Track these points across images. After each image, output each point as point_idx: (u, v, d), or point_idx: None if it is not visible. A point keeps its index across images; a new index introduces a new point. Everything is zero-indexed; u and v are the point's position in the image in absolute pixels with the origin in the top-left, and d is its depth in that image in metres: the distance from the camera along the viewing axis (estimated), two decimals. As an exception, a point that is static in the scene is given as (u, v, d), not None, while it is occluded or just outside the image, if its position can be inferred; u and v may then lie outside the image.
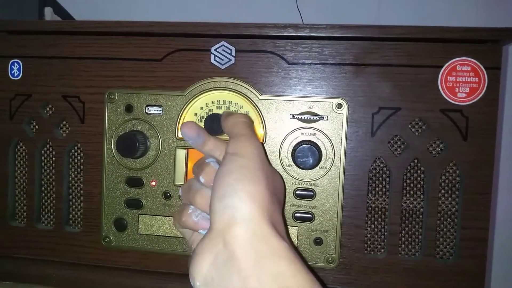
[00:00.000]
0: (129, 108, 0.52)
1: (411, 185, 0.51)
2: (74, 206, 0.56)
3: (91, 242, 0.54)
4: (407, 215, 0.51)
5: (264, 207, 0.32)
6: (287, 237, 0.33)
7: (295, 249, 0.37)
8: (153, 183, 0.52)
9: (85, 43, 0.54)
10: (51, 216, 0.57)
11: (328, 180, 0.50)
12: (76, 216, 0.56)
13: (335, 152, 0.50)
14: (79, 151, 0.55)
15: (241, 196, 0.31)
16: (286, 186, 0.50)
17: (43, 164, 0.56)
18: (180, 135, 0.52)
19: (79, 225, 0.55)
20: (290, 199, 0.51)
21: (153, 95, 0.52)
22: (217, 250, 0.31)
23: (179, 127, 0.36)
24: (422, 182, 0.50)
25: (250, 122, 0.39)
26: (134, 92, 0.52)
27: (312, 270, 0.32)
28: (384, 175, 0.51)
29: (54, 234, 0.55)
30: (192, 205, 0.37)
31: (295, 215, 0.50)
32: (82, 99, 0.54)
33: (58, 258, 0.55)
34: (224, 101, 0.51)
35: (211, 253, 0.31)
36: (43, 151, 0.56)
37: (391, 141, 0.50)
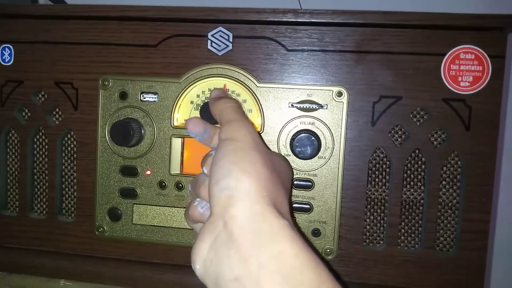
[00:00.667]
0: (123, 95, 0.51)
1: (412, 176, 0.50)
2: (67, 195, 0.55)
3: (85, 232, 0.53)
4: (407, 206, 0.50)
5: (262, 185, 0.30)
6: (291, 219, 0.32)
7: (298, 229, 0.36)
8: (148, 172, 0.51)
9: (79, 28, 0.52)
10: (44, 206, 0.55)
11: (327, 170, 0.49)
12: (70, 205, 0.55)
13: (335, 142, 0.48)
14: (72, 139, 0.54)
15: (236, 176, 0.30)
16: None
17: (35, 152, 0.55)
18: (175, 123, 0.51)
19: (73, 214, 0.54)
20: None
21: (148, 82, 0.50)
22: (217, 232, 0.30)
23: (184, 123, 0.35)
24: (423, 173, 0.49)
25: (238, 105, 0.38)
26: (128, 79, 0.51)
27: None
28: (384, 166, 0.50)
29: (47, 223, 0.54)
30: (199, 198, 0.37)
31: (293, 205, 0.49)
32: (76, 86, 0.52)
33: (51, 248, 0.54)
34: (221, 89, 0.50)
35: (211, 236, 0.30)
36: (35, 139, 0.55)
37: (392, 131, 0.49)
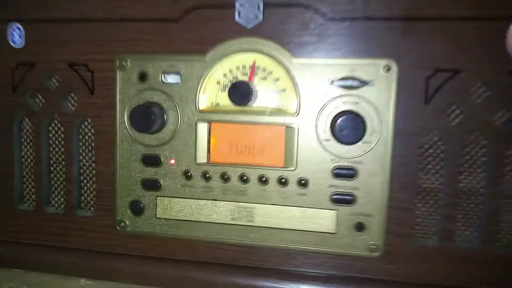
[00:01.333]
0: (143, 77, 0.47)
1: (471, 162, 0.44)
2: (86, 188, 0.52)
3: (105, 227, 0.51)
4: (464, 196, 0.45)
5: None
6: None
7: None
8: (172, 161, 0.48)
9: (92, 3, 0.48)
10: (61, 199, 0.53)
11: (373, 156, 0.44)
12: (88, 198, 0.52)
13: (382, 124, 0.43)
14: (89, 126, 0.51)
15: None
16: (323, 163, 0.45)
17: (51, 141, 0.52)
18: (201, 107, 0.46)
19: (92, 208, 0.52)
20: (327, 179, 0.45)
21: (170, 60, 0.46)
22: None
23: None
24: (483, 159, 0.44)
25: None
26: (148, 58, 0.47)
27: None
28: (438, 151, 0.45)
29: (65, 218, 0.52)
30: None
31: (333, 197, 0.45)
32: (91, 68, 0.49)
33: (69, 244, 0.52)
34: (250, 66, 0.45)
35: None
36: (50, 127, 0.52)
37: (448, 110, 0.44)
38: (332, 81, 0.44)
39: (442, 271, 0.45)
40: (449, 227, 0.44)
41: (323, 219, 0.45)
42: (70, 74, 0.49)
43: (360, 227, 0.45)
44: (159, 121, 0.46)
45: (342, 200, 0.45)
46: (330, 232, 0.45)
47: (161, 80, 0.47)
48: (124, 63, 0.47)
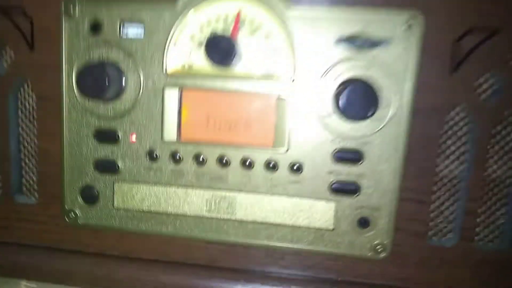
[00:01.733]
0: (95, 27, 0.40)
1: (501, 144, 0.38)
2: (27, 169, 0.45)
3: (51, 217, 0.45)
4: (489, 187, 0.39)
5: None
6: None
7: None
8: (133, 137, 0.41)
9: None
10: None
11: (383, 137, 0.37)
12: (31, 182, 0.46)
13: (398, 97, 0.36)
14: (29, 91, 0.43)
15: None
16: (322, 144, 0.38)
17: None
18: (170, 69, 0.39)
19: (35, 194, 0.46)
20: (326, 164, 0.38)
21: (131, 7, 0.38)
22: None
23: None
24: None
25: None
26: (102, 3, 0.39)
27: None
28: (464, 130, 0.38)
29: (2, 205, 0.45)
30: None
31: (333, 186, 0.39)
32: (29, 14, 0.41)
33: (7, 238, 0.46)
34: (234, 17, 0.37)
35: None
36: None
37: (479, 81, 0.37)
38: (338, 40, 0.36)
39: (459, 276, 0.40)
40: (469, 224, 0.39)
41: (320, 213, 0.39)
42: (2, 23, 0.41)
43: (364, 222, 0.39)
44: (115, 85, 0.38)
45: (343, 189, 0.39)
46: (328, 228, 0.39)
47: (119, 32, 0.39)
48: (72, 9, 0.39)
